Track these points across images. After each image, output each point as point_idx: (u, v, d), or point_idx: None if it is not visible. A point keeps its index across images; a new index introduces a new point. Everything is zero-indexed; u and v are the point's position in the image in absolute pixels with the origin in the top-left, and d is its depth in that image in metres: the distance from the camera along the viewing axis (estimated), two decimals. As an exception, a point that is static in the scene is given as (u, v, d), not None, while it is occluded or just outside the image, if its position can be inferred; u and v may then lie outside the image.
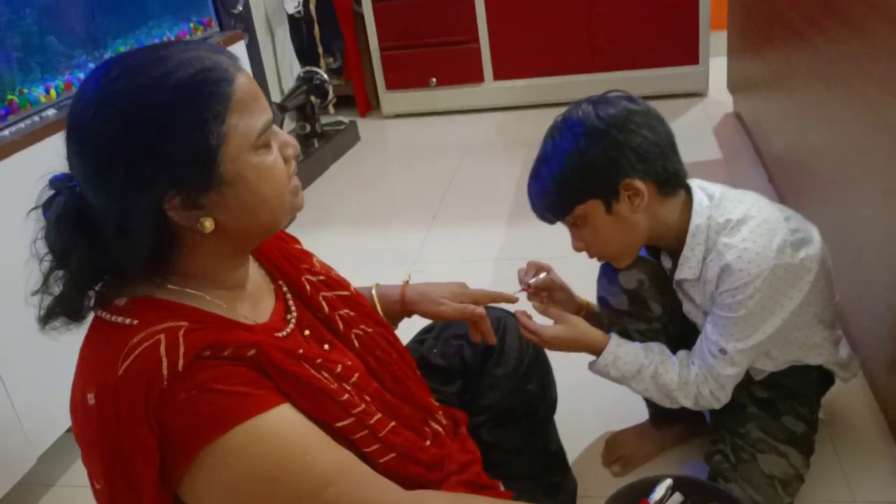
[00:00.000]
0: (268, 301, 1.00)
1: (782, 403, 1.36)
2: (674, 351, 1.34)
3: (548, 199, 1.27)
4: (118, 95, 0.79)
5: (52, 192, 0.85)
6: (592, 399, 1.60)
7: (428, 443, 1.08)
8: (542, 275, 1.38)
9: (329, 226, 2.84)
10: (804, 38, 1.99)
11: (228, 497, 0.83)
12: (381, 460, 0.96)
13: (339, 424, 0.91)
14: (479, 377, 1.36)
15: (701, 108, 3.50)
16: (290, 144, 0.91)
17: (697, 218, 1.25)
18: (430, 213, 2.81)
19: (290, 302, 1.03)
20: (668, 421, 1.53)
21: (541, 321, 1.32)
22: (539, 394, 1.39)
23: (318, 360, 0.94)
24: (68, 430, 1.69)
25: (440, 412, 1.18)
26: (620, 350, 1.30)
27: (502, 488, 1.20)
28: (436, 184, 3.06)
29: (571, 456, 1.42)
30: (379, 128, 3.88)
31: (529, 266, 1.40)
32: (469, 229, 2.65)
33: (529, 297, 1.39)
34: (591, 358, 1.33)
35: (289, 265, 1.07)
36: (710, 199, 1.27)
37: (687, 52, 3.54)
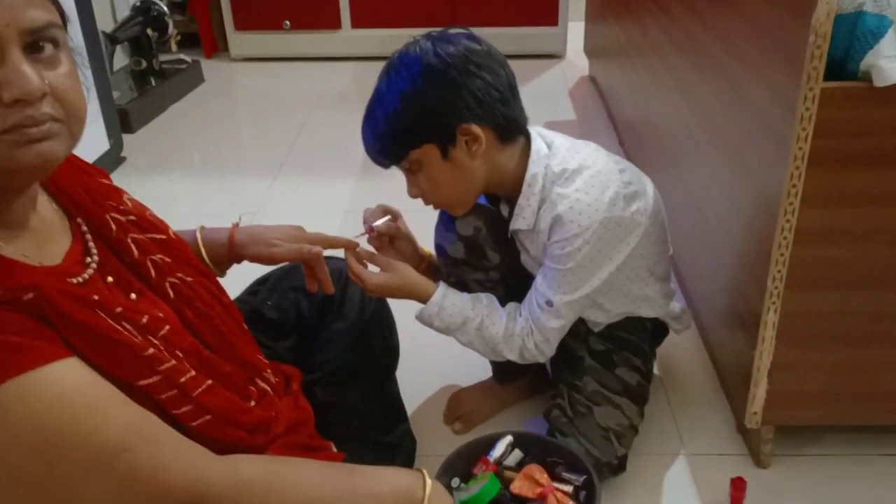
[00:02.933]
0: (61, 241, 0.86)
1: (617, 355, 1.37)
2: (514, 302, 1.31)
3: (381, 142, 1.20)
4: None
5: None
6: (434, 354, 1.56)
7: (252, 403, 0.99)
8: (387, 218, 1.31)
9: (166, 172, 2.63)
10: (661, 6, 2.00)
11: (-3, 470, 0.70)
12: (194, 423, 0.86)
13: (142, 383, 0.81)
14: (317, 331, 1.28)
15: (558, 69, 3.53)
16: (12, 84, 0.69)
17: (534, 167, 1.22)
18: (276, 162, 2.68)
19: (91, 243, 0.89)
20: (511, 377, 1.51)
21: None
22: (380, 350, 1.33)
23: (118, 310, 0.82)
24: None
25: (269, 370, 1.08)
26: (446, 301, 1.26)
27: (334, 449, 1.12)
28: (284, 133, 2.92)
29: (411, 413, 1.37)
30: (226, 70, 3.65)
31: (377, 208, 1.33)
32: (317, 181, 2.54)
33: (370, 241, 1.32)
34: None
35: (90, 201, 0.92)
36: (548, 147, 1.25)
37: (546, 13, 3.56)
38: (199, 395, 0.87)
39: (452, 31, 1.19)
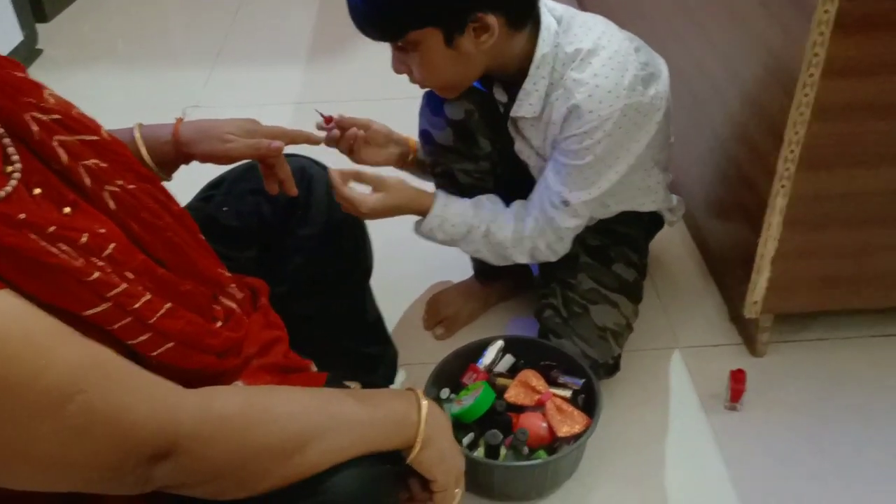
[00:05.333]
0: (-29, 148, 0.71)
1: (614, 250, 1.29)
2: (503, 195, 1.21)
3: (376, 14, 1.03)
4: None
5: None
6: (410, 257, 1.45)
7: (219, 324, 0.88)
8: (353, 130, 1.17)
9: (89, 64, 2.39)
10: None
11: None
12: (155, 353, 0.75)
13: (90, 313, 0.69)
14: (282, 238, 1.16)
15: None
16: None
17: (544, 46, 1.08)
18: (212, 49, 2.45)
19: (10, 149, 0.74)
20: (493, 275, 1.42)
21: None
22: (352, 255, 1.21)
23: (51, 229, 0.68)
24: None
25: (233, 284, 0.96)
26: (447, 211, 1.15)
27: (314, 368, 1.02)
28: (219, 14, 2.68)
29: (390, 322, 1.28)
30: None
31: (338, 116, 1.19)
32: (261, 69, 2.34)
33: (338, 144, 1.18)
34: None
35: (3, 97, 0.76)
36: (558, 22, 1.10)
37: None
38: (158, 320, 0.75)
39: None
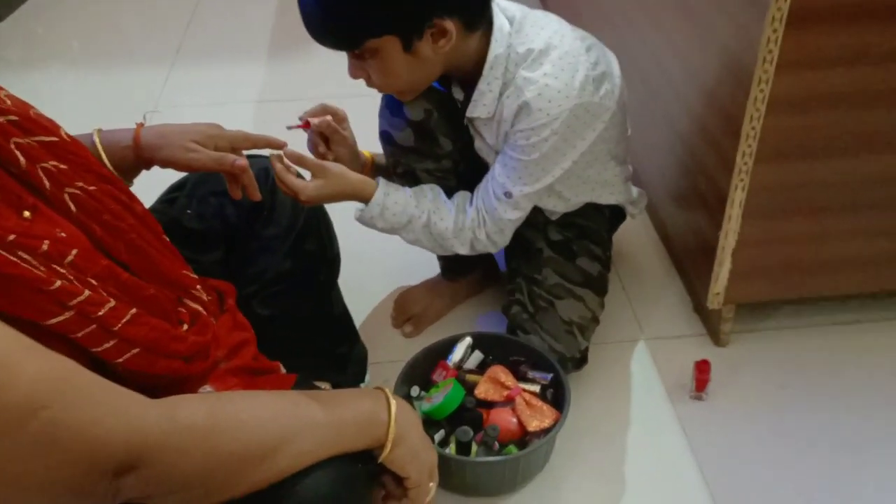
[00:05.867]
0: (-79, 153, 0.69)
1: (577, 244, 1.30)
2: (461, 191, 1.21)
3: (332, 24, 1.02)
4: None
5: None
6: (376, 254, 1.45)
7: (185, 328, 0.87)
8: (328, 118, 1.15)
9: (43, 65, 2.34)
10: None
11: None
12: (120, 360, 0.75)
13: (52, 322, 0.68)
14: (247, 241, 1.14)
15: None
16: None
17: (497, 47, 1.09)
18: (170, 48, 2.41)
19: (-34, 154, 0.72)
20: (460, 272, 1.42)
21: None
22: (319, 254, 1.20)
23: (11, 238, 0.67)
24: None
25: (199, 286, 0.95)
26: (388, 200, 1.14)
27: (283, 370, 1.01)
28: (174, 12, 2.64)
29: (358, 320, 1.27)
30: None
31: (318, 106, 1.17)
32: (220, 68, 2.31)
33: (308, 146, 1.17)
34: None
35: (-45, 100, 0.74)
36: (510, 22, 1.10)
37: None
38: (123, 327, 0.74)
39: None
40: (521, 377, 1.15)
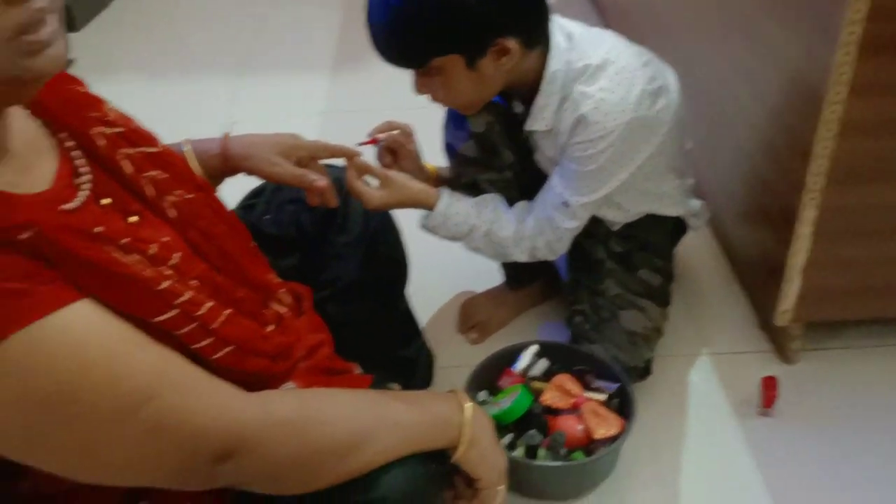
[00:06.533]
0: (46, 163, 0.74)
1: (638, 256, 1.32)
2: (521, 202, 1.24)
3: (400, 43, 1.07)
4: None
5: None
6: (441, 261, 1.48)
7: (270, 328, 0.91)
8: (394, 133, 1.20)
9: (114, 74, 2.43)
10: None
11: (12, 426, 0.62)
12: (215, 357, 0.78)
13: (159, 319, 0.71)
14: (321, 247, 1.19)
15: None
16: None
17: (555, 63, 1.12)
18: (239, 60, 2.49)
19: (79, 161, 0.77)
20: (523, 281, 1.45)
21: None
22: (388, 260, 1.25)
23: (125, 240, 0.71)
24: None
25: (282, 290, 0.99)
26: (450, 209, 1.19)
27: (359, 371, 1.05)
28: (244, 26, 2.71)
29: (423, 325, 1.31)
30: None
31: (384, 123, 1.22)
32: (287, 79, 2.37)
33: (376, 159, 1.22)
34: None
35: (70, 114, 0.80)
36: (567, 39, 1.14)
37: None
38: (219, 326, 0.78)
39: None
40: (587, 386, 1.17)
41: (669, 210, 1.32)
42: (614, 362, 1.20)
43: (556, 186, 1.17)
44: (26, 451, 0.64)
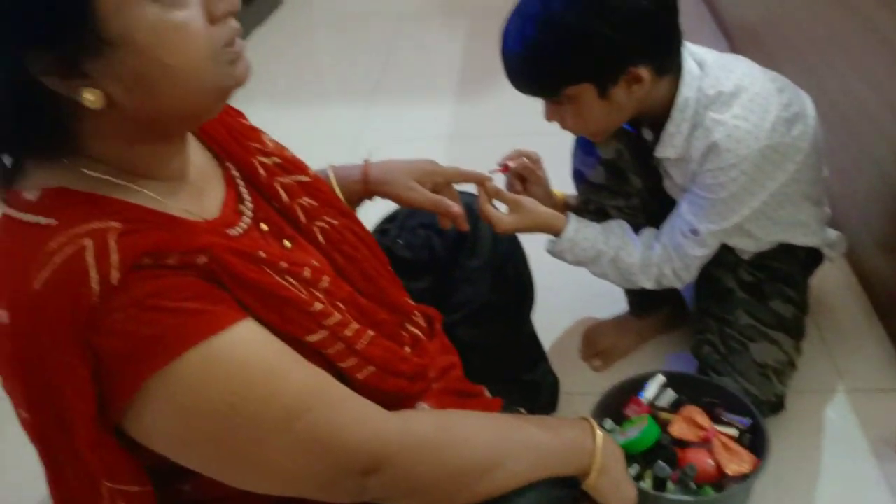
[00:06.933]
0: (215, 190, 0.82)
1: (770, 287, 1.28)
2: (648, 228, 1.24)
3: (534, 73, 1.10)
4: None
5: None
6: (565, 285, 1.49)
7: (408, 350, 0.94)
8: (524, 160, 1.23)
9: (251, 102, 2.51)
10: None
11: (183, 432, 0.68)
12: (360, 376, 0.82)
13: (311, 339, 0.76)
14: (451, 270, 1.23)
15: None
16: None
17: (687, 90, 1.11)
18: (368, 87, 2.58)
19: (243, 189, 0.84)
20: (648, 309, 1.44)
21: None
22: (516, 284, 1.27)
23: (283, 265, 0.77)
24: None
25: (417, 312, 1.03)
26: (578, 235, 1.20)
27: (488, 394, 1.08)
28: (370, 54, 2.82)
29: (547, 350, 1.32)
30: (302, -10, 3.53)
31: (513, 151, 1.25)
32: (414, 105, 2.45)
33: (506, 186, 1.25)
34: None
35: (237, 145, 0.87)
36: (699, 66, 1.13)
37: None
38: (364, 347, 0.83)
39: None
40: (717, 419, 1.15)
41: (804, 240, 1.28)
42: (745, 396, 1.18)
43: (685, 213, 1.16)
44: (193, 456, 0.70)
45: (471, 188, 1.16)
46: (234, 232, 0.78)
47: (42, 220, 0.65)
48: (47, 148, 0.67)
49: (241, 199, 0.83)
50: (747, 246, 1.27)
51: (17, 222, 0.66)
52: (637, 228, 1.24)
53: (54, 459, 0.68)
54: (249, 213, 0.82)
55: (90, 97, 0.62)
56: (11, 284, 0.63)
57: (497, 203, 1.17)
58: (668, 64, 1.11)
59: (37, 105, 0.63)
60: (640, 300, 1.43)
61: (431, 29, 2.99)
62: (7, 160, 0.70)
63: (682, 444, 1.12)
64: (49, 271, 0.62)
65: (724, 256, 1.25)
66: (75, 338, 0.62)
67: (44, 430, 0.66)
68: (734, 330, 1.25)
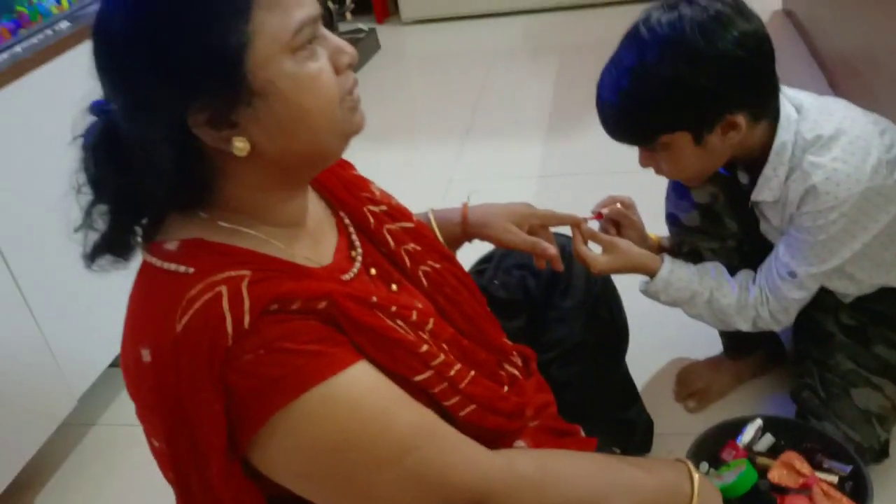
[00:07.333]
0: (330, 238, 0.88)
1: (872, 330, 1.26)
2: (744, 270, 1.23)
3: (629, 122, 1.13)
4: None
5: (91, 119, 0.75)
6: (658, 325, 1.49)
7: (506, 388, 0.98)
8: (617, 205, 1.26)
9: (353, 143, 2.67)
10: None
11: (303, 465, 0.74)
12: (462, 414, 0.86)
13: (418, 378, 0.81)
14: (545, 310, 1.26)
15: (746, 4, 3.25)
16: (345, 51, 0.76)
17: (784, 134, 1.11)
18: (461, 127, 2.66)
19: (354, 237, 0.91)
20: (744, 350, 1.43)
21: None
22: (610, 323, 1.29)
23: (393, 308, 0.82)
24: (108, 367, 1.65)
25: (514, 352, 1.07)
26: (672, 276, 1.21)
27: (582, 433, 1.10)
28: (463, 95, 2.89)
29: (640, 390, 1.33)
30: (398, 35, 3.67)
31: (607, 198, 1.29)
32: (505, 144, 2.50)
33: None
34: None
35: (349, 194, 0.94)
36: (797, 110, 1.13)
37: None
38: (466, 386, 0.86)
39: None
40: (817, 466, 1.13)
41: None
42: (847, 442, 1.16)
43: (782, 256, 1.16)
44: (310, 487, 0.75)
45: (565, 230, 1.19)
46: (346, 277, 0.84)
47: (182, 268, 0.72)
48: (190, 201, 0.76)
49: (352, 246, 0.90)
50: (847, 289, 1.25)
51: (158, 270, 0.74)
52: (732, 271, 1.24)
53: (186, 488, 0.74)
54: (360, 259, 0.88)
55: (239, 144, 0.71)
56: (154, 326, 0.71)
57: (591, 244, 1.20)
58: (765, 109, 1.11)
59: (191, 160, 0.72)
60: (736, 341, 1.42)
61: (522, 68, 3.06)
62: (152, 214, 0.78)
63: (781, 490, 1.10)
64: (189, 316, 0.69)
65: (824, 299, 1.24)
66: (211, 376, 0.68)
67: (179, 460, 0.73)
68: (835, 375, 1.23)
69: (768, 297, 1.18)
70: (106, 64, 0.71)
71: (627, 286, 1.28)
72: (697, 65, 1.04)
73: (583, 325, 1.24)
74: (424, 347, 0.82)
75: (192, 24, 0.67)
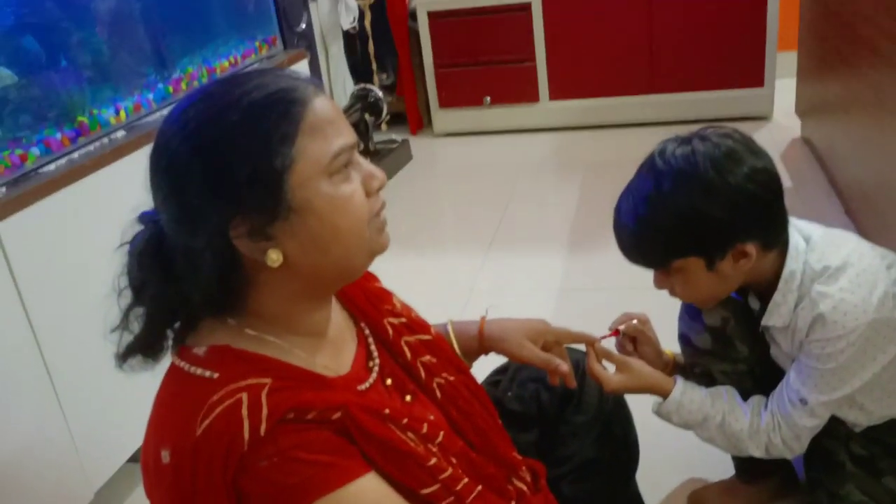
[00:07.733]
0: (349, 347, 0.93)
1: (883, 462, 1.26)
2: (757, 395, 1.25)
3: (644, 247, 1.18)
4: (196, 116, 0.77)
5: (139, 227, 0.82)
6: (671, 445, 1.50)
7: (513, 504, 0.99)
8: (633, 322, 1.30)
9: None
10: (886, 58, 1.87)
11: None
12: None
13: (425, 491, 0.84)
14: (558, 424, 1.28)
15: (766, 132, 3.36)
16: (376, 177, 0.84)
17: (792, 263, 1.16)
18: (485, 239, 2.72)
19: (373, 347, 0.96)
20: (757, 475, 1.43)
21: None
22: (622, 442, 1.30)
23: (404, 421, 0.86)
24: (126, 462, 1.67)
25: (523, 467, 1.09)
26: (685, 398, 1.23)
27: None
28: (489, 207, 2.98)
29: (651, 510, 1.32)
30: (431, 147, 3.81)
31: (622, 315, 1.33)
32: (527, 257, 2.56)
33: (616, 347, 1.31)
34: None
35: (371, 307, 1.00)
36: (806, 241, 1.18)
37: (752, 73, 3.41)
38: (472, 500, 0.88)
39: (725, 137, 1.14)
40: None
41: None
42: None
43: (793, 382, 1.18)
44: None
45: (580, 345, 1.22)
46: (363, 387, 0.89)
47: (207, 373, 0.78)
48: (221, 308, 0.81)
49: (370, 356, 0.94)
50: (858, 419, 1.26)
51: (186, 374, 0.79)
52: (744, 394, 1.26)
53: None
54: (376, 370, 0.93)
55: (273, 255, 0.78)
56: (176, 429, 0.75)
57: (605, 362, 1.24)
58: (775, 240, 1.16)
59: (228, 268, 0.78)
60: (747, 466, 1.42)
61: (547, 183, 3.16)
62: (185, 319, 0.84)
63: None
64: (210, 420, 0.73)
65: (836, 428, 1.25)
66: (225, 479, 0.72)
67: None
68: (845, 504, 1.23)
69: (780, 424, 1.19)
70: (161, 178, 0.78)
71: (640, 404, 1.30)
72: (711, 197, 1.09)
73: (594, 441, 1.25)
74: (433, 461, 0.85)
75: (244, 148, 0.75)
